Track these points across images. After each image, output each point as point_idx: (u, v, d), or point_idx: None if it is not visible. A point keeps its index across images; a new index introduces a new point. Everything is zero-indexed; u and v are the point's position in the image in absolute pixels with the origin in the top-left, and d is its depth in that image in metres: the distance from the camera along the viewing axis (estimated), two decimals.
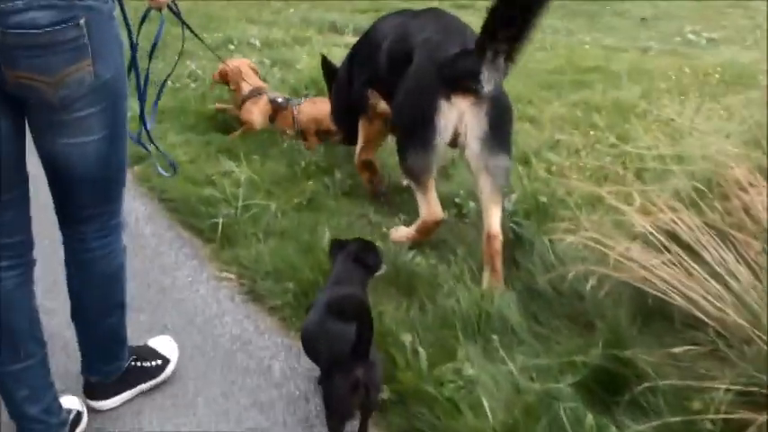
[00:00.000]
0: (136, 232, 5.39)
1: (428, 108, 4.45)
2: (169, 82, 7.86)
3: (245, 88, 7.27)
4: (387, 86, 5.14)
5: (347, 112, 5.96)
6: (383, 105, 5.44)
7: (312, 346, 3.58)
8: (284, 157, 6.36)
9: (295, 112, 6.99)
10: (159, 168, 4.33)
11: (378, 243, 4.68)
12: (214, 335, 4.38)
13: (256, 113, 7.18)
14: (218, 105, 7.47)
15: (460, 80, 4.38)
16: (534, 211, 4.94)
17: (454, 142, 4.61)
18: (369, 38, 5.63)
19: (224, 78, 7.41)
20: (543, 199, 4.98)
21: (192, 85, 8.05)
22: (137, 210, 5.70)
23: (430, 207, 4.83)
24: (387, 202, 5.74)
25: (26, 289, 3.31)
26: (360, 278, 3.94)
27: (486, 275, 4.57)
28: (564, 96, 8.20)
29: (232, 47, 9.81)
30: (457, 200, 5.52)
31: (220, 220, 5.22)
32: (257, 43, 10.13)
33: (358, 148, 5.88)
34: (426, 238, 4.99)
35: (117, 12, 3.07)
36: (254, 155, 6.29)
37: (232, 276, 4.89)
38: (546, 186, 5.30)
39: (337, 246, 4.12)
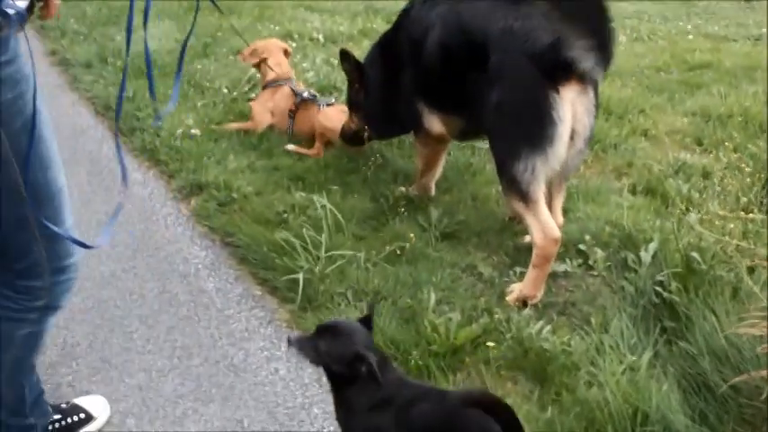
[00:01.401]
0: (196, 286, 4.81)
1: (540, 103, 4.28)
2: (225, 89, 7.39)
3: (269, 75, 6.87)
4: (444, 91, 4.89)
5: (386, 119, 5.68)
6: (438, 127, 5.11)
7: None
8: (367, 188, 5.74)
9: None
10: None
11: (495, 309, 4.29)
12: None
13: (261, 108, 6.84)
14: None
15: (569, 68, 4.23)
16: (687, 275, 4.22)
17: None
18: (408, 31, 5.21)
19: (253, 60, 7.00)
20: (697, 257, 4.25)
21: (253, 94, 7.33)
22: (196, 257, 5.11)
23: (544, 225, 4.46)
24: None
25: None
26: None
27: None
28: (678, 103, 7.54)
29: (293, 43, 9.14)
30: (581, 246, 4.90)
31: (300, 276, 4.55)
32: (320, 38, 9.49)
33: (419, 173, 5.57)
34: (547, 268, 4.53)
35: None
36: (331, 184, 5.66)
37: None
38: (691, 232, 4.62)
39: None
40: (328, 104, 6.54)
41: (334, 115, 6.34)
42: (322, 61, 8.40)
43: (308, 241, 4.78)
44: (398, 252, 4.88)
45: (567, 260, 4.79)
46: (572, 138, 4.38)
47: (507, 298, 4.53)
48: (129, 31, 3.28)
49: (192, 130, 6.49)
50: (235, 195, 5.54)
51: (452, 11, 4.88)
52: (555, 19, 4.48)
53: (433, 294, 4.37)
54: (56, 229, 2.89)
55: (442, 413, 2.96)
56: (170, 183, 6.02)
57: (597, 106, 4.53)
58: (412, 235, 4.93)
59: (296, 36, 9.46)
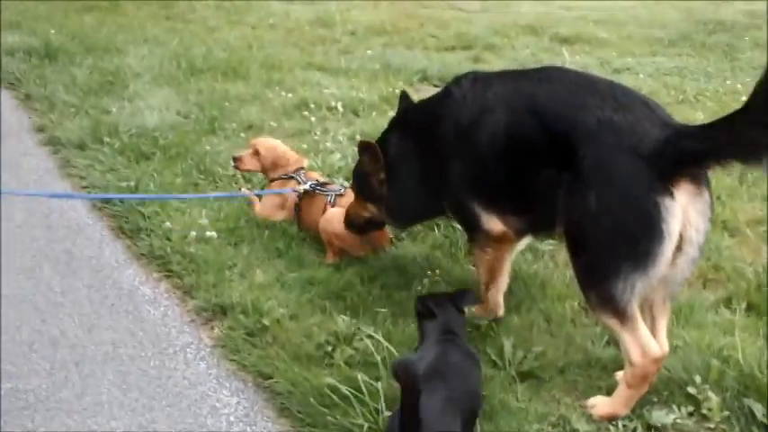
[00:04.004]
0: None
1: (651, 213, 3.78)
2: (240, 176, 6.72)
3: (279, 171, 6.32)
4: (506, 190, 4.42)
5: (413, 211, 5.20)
6: (499, 226, 4.54)
7: None
8: None
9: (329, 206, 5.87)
10: None
11: None
12: None
13: (267, 199, 6.28)
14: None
15: (685, 168, 3.80)
16: None
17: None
18: (453, 116, 4.58)
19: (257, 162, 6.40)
20: None
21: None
22: (226, 405, 4.44)
23: (643, 343, 4.02)
24: None
25: None
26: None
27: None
28: (752, 184, 6.96)
29: (311, 116, 8.51)
30: (690, 389, 4.29)
31: None
32: (339, 107, 8.84)
33: (483, 289, 4.92)
34: (644, 388, 4.13)
35: None
36: (377, 305, 5.00)
37: None
38: None
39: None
40: (339, 195, 5.92)
41: (339, 218, 5.63)
42: (346, 138, 7.76)
43: (364, 390, 4.13)
44: None
45: (674, 406, 4.19)
46: (683, 246, 3.89)
47: (593, 413, 4.21)
48: None
49: (208, 233, 5.78)
50: (266, 322, 4.85)
51: (519, 92, 4.37)
52: (654, 105, 4.07)
53: None
54: None
55: None
56: (186, 301, 5.34)
57: (712, 206, 4.01)
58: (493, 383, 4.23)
59: (312, 106, 8.82)
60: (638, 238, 3.81)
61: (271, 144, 6.41)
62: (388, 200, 5.15)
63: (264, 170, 6.39)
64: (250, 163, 6.33)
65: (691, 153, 3.75)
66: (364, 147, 5.06)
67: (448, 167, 4.63)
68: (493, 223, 4.59)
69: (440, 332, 4.08)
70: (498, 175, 4.41)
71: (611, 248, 3.94)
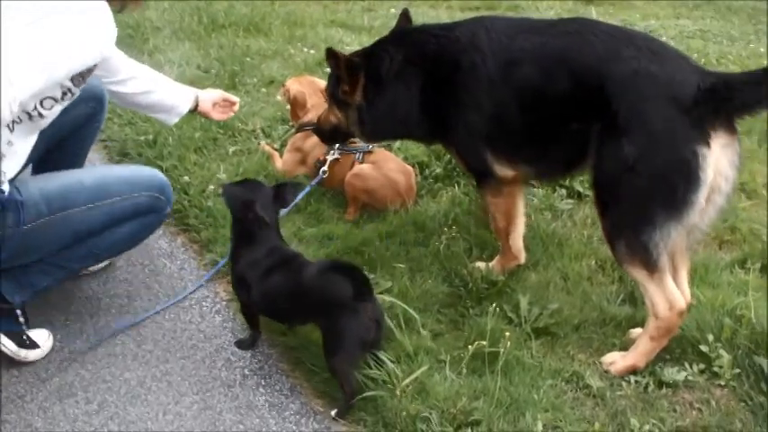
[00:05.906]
0: (244, 401, 4.20)
1: (689, 161, 3.82)
2: (260, 131, 6.70)
3: (304, 117, 6.20)
4: (526, 140, 4.42)
5: (393, 129, 4.97)
6: (510, 173, 4.55)
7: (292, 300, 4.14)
8: (439, 264, 5.05)
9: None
10: None
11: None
12: None
13: (291, 156, 6.19)
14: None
15: (729, 115, 3.87)
16: None
17: None
18: (475, 64, 4.40)
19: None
20: None
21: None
22: (241, 358, 4.50)
23: (670, 296, 4.07)
24: None
25: None
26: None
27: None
28: None
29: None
30: (702, 347, 4.34)
31: (377, 394, 3.96)
32: None
33: (503, 235, 4.92)
34: (666, 341, 4.22)
35: None
36: (395, 261, 4.99)
37: None
38: None
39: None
40: (367, 152, 5.86)
41: (369, 173, 5.65)
42: None
43: None
44: (487, 358, 4.17)
45: (686, 364, 4.25)
46: (711, 195, 3.95)
47: (611, 369, 4.26)
48: None
49: None
50: None
51: (550, 44, 4.29)
52: (688, 58, 4.09)
53: (540, 421, 3.80)
54: None
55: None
56: (203, 255, 5.35)
57: (741, 157, 4.02)
58: (508, 338, 4.20)
59: None
60: (675, 186, 3.84)
61: (298, 80, 6.46)
62: (364, 110, 4.84)
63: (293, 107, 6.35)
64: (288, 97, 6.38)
65: (735, 101, 3.81)
66: (329, 55, 4.75)
67: (461, 114, 4.53)
68: (505, 171, 4.59)
69: (276, 238, 4.43)
70: (520, 127, 4.39)
71: (648, 197, 3.96)
